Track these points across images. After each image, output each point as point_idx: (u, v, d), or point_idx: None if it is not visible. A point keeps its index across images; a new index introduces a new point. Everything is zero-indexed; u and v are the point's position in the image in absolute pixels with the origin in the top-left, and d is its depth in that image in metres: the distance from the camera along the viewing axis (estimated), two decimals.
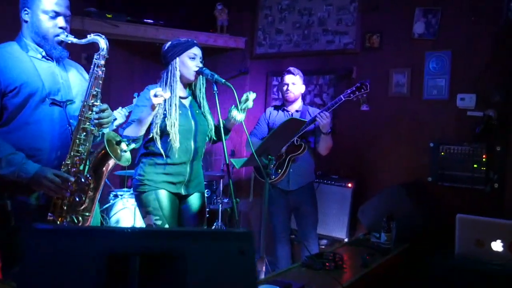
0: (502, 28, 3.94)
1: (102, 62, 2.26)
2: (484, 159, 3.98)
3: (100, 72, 2.26)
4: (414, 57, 4.36)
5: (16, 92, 2.15)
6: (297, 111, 4.12)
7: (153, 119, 2.82)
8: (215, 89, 2.87)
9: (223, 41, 5.21)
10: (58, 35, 2.26)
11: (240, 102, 2.95)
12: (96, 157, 2.27)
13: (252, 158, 3.01)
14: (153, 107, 2.69)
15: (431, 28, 4.27)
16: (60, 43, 2.28)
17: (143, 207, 2.91)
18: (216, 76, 2.86)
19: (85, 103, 2.24)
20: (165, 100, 2.81)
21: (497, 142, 3.95)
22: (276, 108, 4.21)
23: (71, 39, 2.26)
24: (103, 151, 2.25)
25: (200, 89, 3.11)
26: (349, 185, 4.38)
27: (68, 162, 2.21)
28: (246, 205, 5.25)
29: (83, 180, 2.22)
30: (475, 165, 4.02)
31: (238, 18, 5.35)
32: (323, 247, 4.35)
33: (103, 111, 2.25)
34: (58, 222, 2.14)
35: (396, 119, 4.49)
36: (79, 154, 2.22)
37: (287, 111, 4.12)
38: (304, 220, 4.07)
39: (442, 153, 4.15)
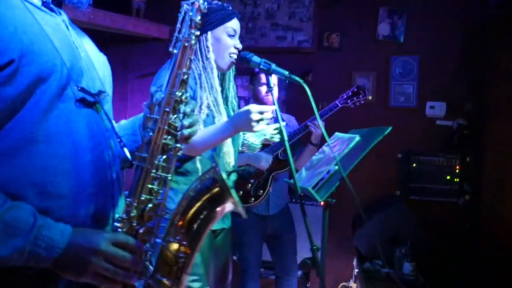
0: (471, 34, 3.83)
1: (198, 18, 1.23)
2: (457, 170, 3.82)
3: (193, 39, 1.23)
4: (379, 60, 4.02)
5: (9, 72, 1.03)
6: (271, 118, 3.41)
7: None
8: (272, 85, 2.04)
9: (144, 28, 4.16)
10: None
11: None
12: (195, 201, 1.27)
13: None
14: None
15: (397, 30, 3.97)
16: None
17: None
18: (273, 66, 2.01)
19: (170, 97, 1.20)
20: (197, 91, 2.01)
21: (469, 153, 3.82)
22: None
23: None
24: (216, 188, 1.26)
25: (229, 80, 2.24)
26: (321, 203, 3.80)
27: (134, 214, 1.16)
28: None
29: (169, 249, 1.22)
30: (448, 177, 3.83)
31: (159, 2, 4.36)
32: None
33: (192, 111, 1.26)
34: None
35: (360, 127, 4.07)
36: (152, 197, 1.18)
37: None
38: (284, 251, 3.39)
39: (414, 165, 3.87)
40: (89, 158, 1.16)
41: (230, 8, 2.13)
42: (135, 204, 1.15)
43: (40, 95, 1.07)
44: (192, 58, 1.23)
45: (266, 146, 3.22)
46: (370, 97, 3.73)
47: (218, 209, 1.28)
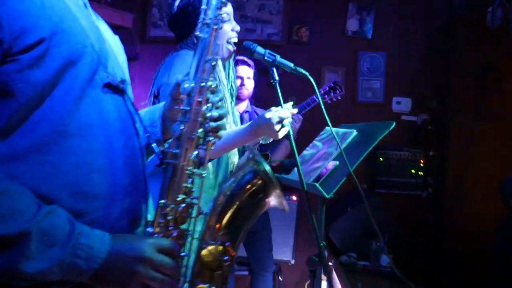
0: (436, 32, 3.95)
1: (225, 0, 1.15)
2: (422, 164, 3.94)
3: (224, 18, 1.14)
4: (348, 56, 4.06)
5: (39, 53, 0.91)
6: (246, 111, 3.36)
7: None
8: (276, 78, 1.94)
9: (107, 16, 3.94)
10: None
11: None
12: (234, 200, 1.17)
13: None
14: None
15: (365, 26, 4.02)
16: None
17: None
18: (278, 57, 1.88)
19: (201, 85, 1.09)
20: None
21: (433, 147, 3.95)
22: None
23: None
24: (258, 182, 1.16)
25: (229, 63, 2.15)
26: (294, 198, 3.80)
27: (171, 217, 1.05)
28: None
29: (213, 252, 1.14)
30: (412, 171, 3.94)
31: None
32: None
33: (221, 100, 1.14)
34: None
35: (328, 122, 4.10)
36: (187, 197, 1.07)
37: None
38: (260, 247, 3.35)
39: (381, 159, 3.95)
40: (123, 153, 1.05)
41: None
42: (172, 206, 1.04)
43: (70, 80, 0.95)
44: (218, 42, 1.13)
45: None
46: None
47: (261, 204, 1.20)
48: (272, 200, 1.18)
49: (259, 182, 1.16)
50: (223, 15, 1.12)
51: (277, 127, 1.80)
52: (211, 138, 1.09)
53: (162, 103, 1.26)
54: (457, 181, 3.84)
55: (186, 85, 1.07)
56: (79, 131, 0.96)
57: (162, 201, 1.04)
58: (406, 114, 4.00)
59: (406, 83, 3.99)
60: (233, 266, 1.18)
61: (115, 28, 4.04)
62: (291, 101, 3.57)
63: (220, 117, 1.10)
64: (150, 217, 1.08)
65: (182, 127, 1.06)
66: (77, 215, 0.93)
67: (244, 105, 3.35)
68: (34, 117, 0.91)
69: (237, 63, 3.26)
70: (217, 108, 1.10)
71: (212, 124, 1.08)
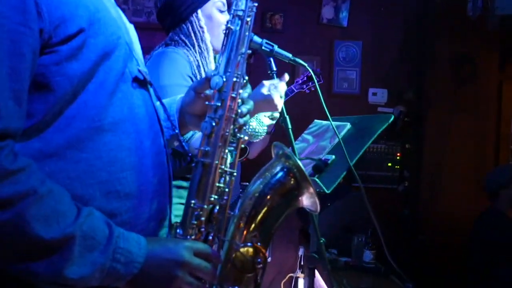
0: (412, 22, 3.87)
1: None
2: (398, 157, 3.85)
3: (252, 13, 1.07)
4: (323, 45, 3.92)
5: (78, 43, 0.87)
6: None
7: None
8: (274, 69, 1.80)
9: None
10: None
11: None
12: (265, 200, 1.13)
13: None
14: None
15: (341, 14, 3.88)
16: None
17: None
18: (276, 47, 1.77)
19: (235, 81, 1.03)
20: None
21: (409, 140, 3.87)
22: None
23: None
24: (291, 180, 1.13)
25: None
26: None
27: (204, 219, 1.01)
28: None
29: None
30: (389, 164, 3.85)
31: None
32: None
33: (249, 96, 1.11)
34: None
35: (302, 115, 3.95)
36: (218, 197, 1.02)
37: None
38: None
39: None
40: (152, 150, 1.01)
41: None
42: (205, 206, 0.99)
43: (104, 73, 0.91)
44: (249, 38, 1.07)
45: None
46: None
47: (293, 203, 1.16)
48: (305, 199, 1.14)
49: (291, 180, 1.12)
50: (255, 5, 1.06)
51: (279, 101, 1.68)
52: (241, 136, 1.05)
53: (179, 96, 1.20)
54: (433, 174, 3.77)
55: (217, 80, 1.01)
56: (112, 126, 0.93)
57: (193, 201, 0.99)
58: (382, 106, 3.90)
59: (382, 73, 3.89)
60: (265, 268, 1.12)
61: None
62: None
63: (247, 113, 1.07)
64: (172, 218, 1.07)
65: (213, 124, 1.01)
66: (109, 216, 0.90)
67: None
68: (69, 112, 0.88)
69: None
70: (243, 103, 1.06)
71: (241, 120, 1.05)
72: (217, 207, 1.00)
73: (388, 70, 3.88)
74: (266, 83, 1.71)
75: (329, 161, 1.35)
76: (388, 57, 3.88)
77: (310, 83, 3.14)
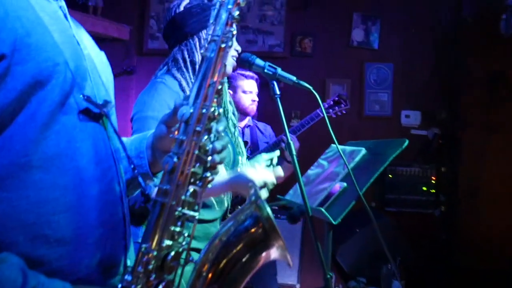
0: (444, 41, 3.79)
1: (237, 13, 0.97)
2: (433, 181, 3.75)
3: (230, 39, 0.95)
4: (353, 67, 3.89)
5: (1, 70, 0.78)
6: (247, 126, 3.18)
7: None
8: (277, 92, 1.76)
9: (102, 28, 3.80)
10: None
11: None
12: (230, 247, 0.99)
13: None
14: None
15: (371, 36, 3.86)
16: None
17: None
18: (279, 70, 1.72)
19: (202, 112, 0.92)
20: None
21: (444, 163, 3.77)
22: None
23: None
24: (259, 230, 0.98)
25: (225, 92, 1.99)
26: None
27: (153, 266, 0.86)
28: None
29: None
30: (424, 188, 3.75)
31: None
32: None
33: (224, 130, 0.98)
34: None
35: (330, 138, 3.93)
36: (175, 242, 0.89)
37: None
38: (264, 272, 3.13)
39: (390, 175, 3.76)
40: (97, 189, 0.90)
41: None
42: (155, 253, 0.86)
43: (37, 104, 0.80)
44: (226, 63, 0.95)
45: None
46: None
47: (261, 255, 1.00)
48: (274, 253, 1.00)
49: (260, 230, 0.97)
50: (233, 32, 0.95)
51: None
52: (208, 174, 0.92)
53: (151, 131, 1.10)
54: (470, 197, 3.64)
55: (184, 111, 0.90)
56: (44, 162, 0.81)
57: (144, 245, 0.87)
58: (415, 128, 3.82)
59: (414, 95, 3.82)
60: None
61: (111, 41, 3.92)
62: (294, 115, 3.40)
63: (222, 150, 0.94)
64: (130, 262, 0.93)
65: (175, 160, 0.89)
66: (36, 263, 0.79)
67: (246, 119, 3.17)
68: None
69: (245, 77, 3.09)
70: (218, 139, 0.93)
71: (216, 158, 0.92)
72: (172, 254, 0.87)
73: (421, 91, 3.81)
74: (258, 167, 1.64)
75: (300, 208, 1.23)
76: (420, 78, 3.81)
77: (337, 107, 3.12)
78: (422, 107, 3.82)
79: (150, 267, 0.85)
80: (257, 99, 3.09)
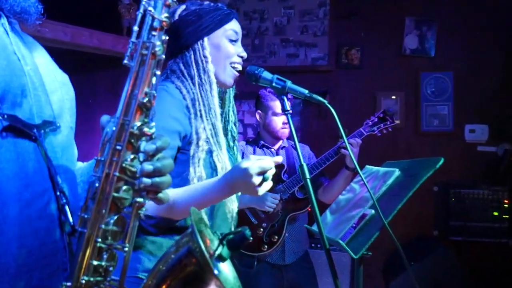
0: (509, 45, 3.31)
1: (164, 16, 0.86)
2: (505, 205, 3.23)
3: (157, 45, 0.85)
4: (407, 78, 3.49)
5: None
6: (282, 147, 2.87)
7: (193, 157, 1.52)
8: (288, 108, 1.51)
9: (98, 41, 3.69)
10: None
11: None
12: (166, 281, 0.88)
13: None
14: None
15: (427, 43, 3.44)
16: None
17: None
18: (289, 83, 1.52)
19: (122, 129, 0.84)
20: (191, 122, 1.55)
21: None
22: (252, 143, 2.88)
23: None
24: (191, 265, 0.86)
25: (229, 101, 1.78)
26: None
27: None
28: None
29: None
30: (495, 213, 3.24)
31: None
32: None
33: (160, 151, 0.88)
34: None
35: (386, 156, 3.52)
36: (100, 278, 0.84)
37: (269, 147, 2.82)
38: None
39: (453, 199, 3.29)
40: (23, 214, 0.84)
41: (226, 7, 1.66)
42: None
43: None
44: (156, 72, 0.86)
45: (280, 181, 2.68)
46: (397, 121, 3.19)
47: None
48: None
49: (192, 266, 0.86)
50: (162, 38, 0.86)
51: (257, 179, 1.36)
52: (140, 200, 0.85)
53: None
54: None
55: (107, 129, 0.86)
56: None
57: (65, 283, 0.82)
58: (482, 144, 3.34)
59: (480, 107, 3.35)
60: None
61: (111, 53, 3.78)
62: (348, 131, 3.03)
63: (157, 172, 0.86)
64: None
65: (97, 184, 0.83)
66: None
67: (280, 141, 2.86)
68: None
69: (276, 96, 2.81)
70: (154, 159, 0.86)
71: (145, 180, 0.85)
72: None
73: (487, 102, 3.34)
74: (253, 157, 1.41)
75: (242, 233, 0.94)
76: (486, 87, 3.34)
77: (382, 124, 2.75)
78: (489, 120, 3.34)
79: None
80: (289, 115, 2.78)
